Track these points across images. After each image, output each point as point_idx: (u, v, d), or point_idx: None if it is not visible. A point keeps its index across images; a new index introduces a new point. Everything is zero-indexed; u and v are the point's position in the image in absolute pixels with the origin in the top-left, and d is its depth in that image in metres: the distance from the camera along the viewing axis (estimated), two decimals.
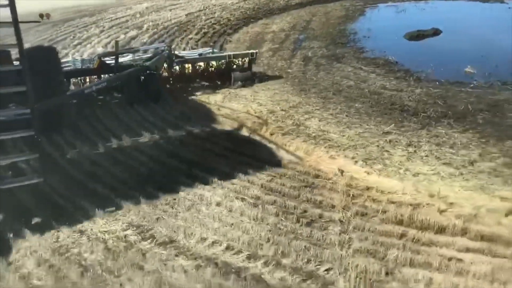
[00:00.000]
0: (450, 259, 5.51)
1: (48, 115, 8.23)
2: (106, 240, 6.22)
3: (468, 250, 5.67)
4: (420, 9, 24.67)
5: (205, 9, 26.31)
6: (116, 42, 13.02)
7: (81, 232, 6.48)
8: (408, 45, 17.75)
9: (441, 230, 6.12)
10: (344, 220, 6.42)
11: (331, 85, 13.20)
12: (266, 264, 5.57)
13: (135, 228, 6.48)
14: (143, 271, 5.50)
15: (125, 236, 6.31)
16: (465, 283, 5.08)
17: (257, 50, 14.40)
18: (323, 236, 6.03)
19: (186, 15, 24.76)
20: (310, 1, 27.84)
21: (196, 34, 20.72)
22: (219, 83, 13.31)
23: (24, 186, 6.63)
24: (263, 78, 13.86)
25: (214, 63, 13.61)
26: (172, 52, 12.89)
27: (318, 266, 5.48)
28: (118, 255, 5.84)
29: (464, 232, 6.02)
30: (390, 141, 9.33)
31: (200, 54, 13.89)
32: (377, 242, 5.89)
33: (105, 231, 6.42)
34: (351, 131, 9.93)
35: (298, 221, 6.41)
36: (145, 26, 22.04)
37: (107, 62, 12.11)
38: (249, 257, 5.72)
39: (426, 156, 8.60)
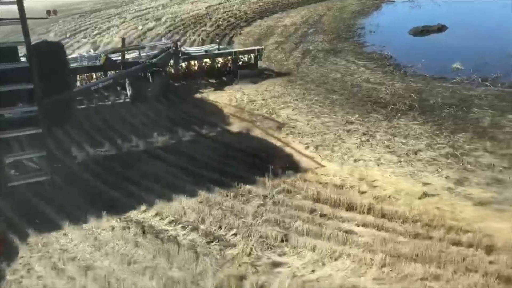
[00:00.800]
0: (344, 231, 6.15)
1: (53, 111, 8.22)
2: None
3: (364, 225, 6.29)
4: (436, 5, 24.62)
5: (225, 2, 27.17)
6: (122, 39, 13.20)
7: None
8: (409, 40, 18.03)
9: (351, 208, 6.74)
10: (268, 196, 7.14)
11: (319, 78, 13.79)
12: (183, 228, 6.41)
13: None
14: None
15: None
16: (344, 250, 5.73)
17: (263, 46, 14.86)
18: (242, 208, 6.79)
19: (206, 8, 25.72)
20: None
21: (210, 26, 21.61)
22: (225, 79, 13.43)
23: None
24: (270, 74, 13.97)
25: (220, 59, 13.67)
26: (178, 49, 12.77)
27: (227, 232, 6.25)
28: None
29: (370, 211, 6.62)
30: (349, 130, 9.91)
31: (206, 51, 13.83)
32: (288, 215, 6.59)
33: None
34: (318, 120, 10.56)
35: (226, 194, 7.18)
36: (164, 18, 23.12)
37: (113, 58, 12.17)
38: (172, 222, 6.57)
39: (376, 144, 9.15)
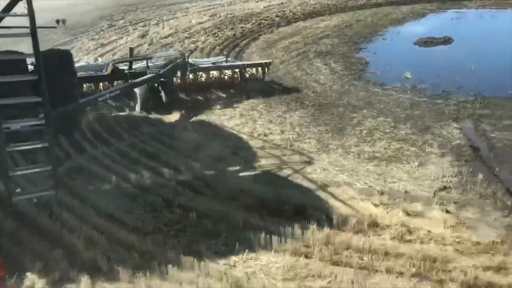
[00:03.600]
0: None
1: (60, 121, 8.38)
2: None
3: None
4: (477, 16, 24.51)
5: (286, 3, 29.72)
6: (131, 49, 13.55)
7: None
8: (407, 50, 19.01)
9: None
10: None
11: (282, 75, 16.01)
12: None
13: None
14: None
15: None
16: None
17: (270, 60, 15.46)
18: None
19: (264, 7, 28.62)
20: (392, 1, 29.15)
21: (252, 24, 24.56)
22: (232, 91, 13.73)
23: None
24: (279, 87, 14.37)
25: (227, 71, 13.99)
26: (186, 60, 12.85)
27: None
28: None
29: None
30: (242, 115, 12.29)
31: (213, 63, 14.02)
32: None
33: None
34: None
35: None
36: (220, 14, 26.60)
37: (121, 68, 12.34)
38: None
39: (246, 123, 11.46)
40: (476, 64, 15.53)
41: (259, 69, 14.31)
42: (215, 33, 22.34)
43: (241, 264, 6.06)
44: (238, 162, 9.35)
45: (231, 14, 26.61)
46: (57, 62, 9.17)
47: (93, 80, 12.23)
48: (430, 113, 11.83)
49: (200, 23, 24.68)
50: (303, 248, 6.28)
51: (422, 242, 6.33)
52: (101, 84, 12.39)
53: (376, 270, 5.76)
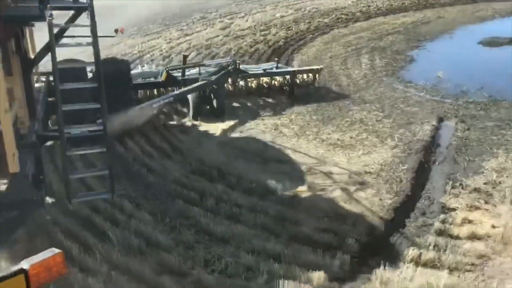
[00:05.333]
0: None
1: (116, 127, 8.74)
2: None
3: None
4: None
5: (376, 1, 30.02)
6: (184, 56, 13.67)
7: None
8: (465, 49, 18.82)
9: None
10: None
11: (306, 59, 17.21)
12: None
13: None
14: None
15: None
16: None
17: (321, 66, 15.10)
18: None
19: (352, 1, 29.37)
20: None
21: (330, 19, 25.69)
22: (284, 100, 13.58)
23: None
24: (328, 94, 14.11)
25: (278, 78, 13.98)
26: (237, 67, 12.86)
27: None
28: None
29: None
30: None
31: (264, 69, 14.00)
32: None
33: None
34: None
35: None
36: (304, 8, 28.08)
37: (174, 75, 12.44)
38: None
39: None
40: None
41: (310, 75, 14.26)
42: (289, 27, 23.93)
43: None
44: None
45: (315, 8, 27.88)
46: (115, 71, 9.58)
47: (148, 87, 12.53)
48: (426, 111, 12.40)
49: (282, 16, 26.42)
50: None
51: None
52: (155, 90, 12.67)
53: None
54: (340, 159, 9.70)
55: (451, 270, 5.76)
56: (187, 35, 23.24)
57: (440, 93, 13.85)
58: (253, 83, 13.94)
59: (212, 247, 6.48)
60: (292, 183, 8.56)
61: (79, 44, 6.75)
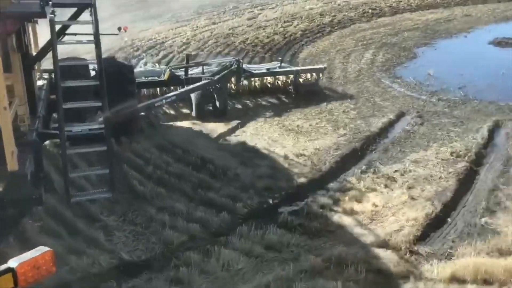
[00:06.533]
0: None
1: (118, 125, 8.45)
2: None
3: None
4: None
5: None
6: (187, 55, 13.71)
7: None
8: (472, 48, 19.02)
9: None
10: None
11: (322, 62, 18.17)
12: None
13: None
14: None
15: None
16: None
17: (325, 65, 15.43)
18: None
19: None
20: None
21: (356, 13, 26.23)
22: (284, 98, 13.69)
23: None
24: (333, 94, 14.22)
25: (282, 77, 14.02)
26: (241, 66, 12.85)
27: None
28: None
29: None
30: None
31: (267, 69, 14.03)
32: None
33: None
34: None
35: None
36: (334, 1, 28.62)
37: (177, 74, 12.53)
38: None
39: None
40: None
41: (314, 74, 14.23)
42: (313, 19, 24.78)
43: None
44: None
45: (346, 2, 28.40)
46: (117, 70, 9.44)
47: (151, 86, 12.51)
48: (396, 105, 13.10)
49: (311, 9, 27.23)
50: None
51: None
52: (158, 89, 12.67)
53: None
54: (288, 142, 10.79)
55: (310, 235, 6.85)
56: (214, 23, 24.69)
57: (420, 89, 14.46)
58: (256, 83, 13.94)
59: (133, 204, 7.83)
60: (232, 159, 9.82)
61: (81, 42, 6.95)
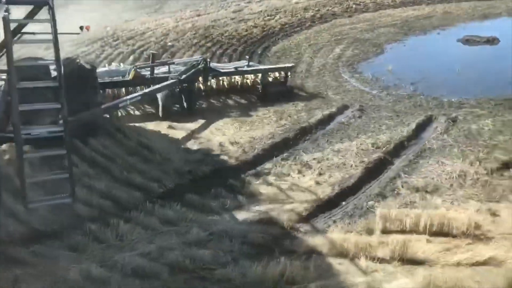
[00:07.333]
0: None
1: (80, 127, 8.53)
2: None
3: None
4: None
5: None
6: (153, 54, 13.31)
7: None
8: (439, 47, 19.49)
9: None
10: None
11: (288, 57, 18.75)
12: None
13: None
14: None
15: None
16: None
17: (293, 64, 15.79)
18: None
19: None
20: None
21: (341, 7, 26.72)
22: (253, 99, 13.63)
23: None
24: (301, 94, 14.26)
25: (249, 76, 13.90)
26: (208, 65, 12.71)
27: None
28: None
29: None
30: None
31: (235, 68, 13.90)
32: None
33: None
34: None
35: None
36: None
37: (142, 73, 12.31)
38: None
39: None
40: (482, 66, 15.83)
41: (282, 73, 14.15)
42: (296, 14, 25.33)
43: None
44: None
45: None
46: (79, 71, 9.22)
47: (115, 86, 12.11)
48: (345, 99, 13.77)
49: (297, 3, 27.72)
50: None
51: None
52: (123, 89, 12.25)
53: None
54: (229, 131, 11.51)
55: (207, 213, 7.60)
56: (198, 15, 25.36)
57: (374, 84, 15.09)
58: (224, 82, 13.96)
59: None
60: (170, 145, 10.57)
61: (39, 41, 6.88)
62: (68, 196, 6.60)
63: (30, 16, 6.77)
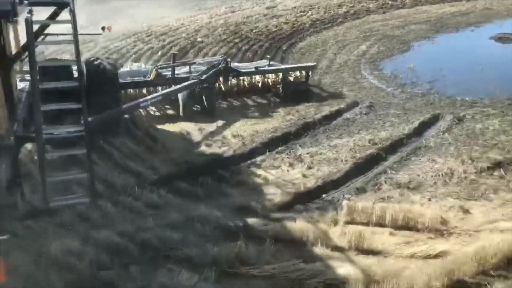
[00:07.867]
0: None
1: (102, 127, 8.66)
2: None
3: None
4: None
5: None
6: (173, 55, 13.33)
7: None
8: (469, 43, 19.09)
9: None
10: None
11: (312, 54, 18.99)
12: None
13: None
14: None
15: None
16: None
17: (314, 63, 15.51)
18: None
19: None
20: None
21: (375, 4, 26.52)
22: (273, 98, 13.61)
23: None
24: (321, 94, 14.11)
25: (271, 76, 13.78)
26: (228, 65, 12.69)
27: None
28: None
29: None
30: None
31: (256, 67, 13.73)
32: None
33: None
34: None
35: None
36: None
37: (163, 74, 12.28)
38: None
39: None
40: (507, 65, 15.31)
41: (303, 72, 14.04)
42: (330, 10, 25.42)
43: None
44: None
45: None
46: (100, 71, 9.32)
47: (136, 86, 12.09)
48: (358, 96, 13.90)
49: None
50: None
51: None
52: (144, 89, 12.32)
53: None
54: (236, 124, 11.96)
55: (192, 199, 8.09)
56: (233, 11, 25.93)
57: (391, 82, 15.08)
58: (245, 81, 13.92)
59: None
60: (174, 137, 11.16)
61: (60, 42, 7.06)
62: (87, 196, 6.81)
63: (52, 17, 6.86)
